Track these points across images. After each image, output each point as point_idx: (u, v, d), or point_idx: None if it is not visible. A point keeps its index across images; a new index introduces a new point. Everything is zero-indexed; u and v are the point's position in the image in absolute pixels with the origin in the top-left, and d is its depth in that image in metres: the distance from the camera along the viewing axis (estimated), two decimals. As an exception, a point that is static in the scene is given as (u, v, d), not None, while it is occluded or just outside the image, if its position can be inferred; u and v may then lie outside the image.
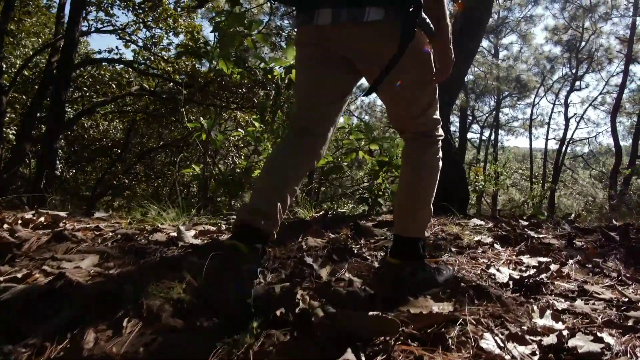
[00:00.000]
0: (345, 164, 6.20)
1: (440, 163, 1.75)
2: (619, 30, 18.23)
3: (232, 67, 5.70)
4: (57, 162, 15.19)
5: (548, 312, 1.43)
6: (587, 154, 21.90)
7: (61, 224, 2.25)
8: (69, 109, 15.03)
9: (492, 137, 21.90)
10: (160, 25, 14.52)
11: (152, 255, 1.86)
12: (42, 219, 2.32)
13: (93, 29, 14.30)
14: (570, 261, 2.06)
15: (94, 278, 1.59)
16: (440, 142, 1.75)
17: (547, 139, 21.04)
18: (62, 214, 2.34)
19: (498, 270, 1.90)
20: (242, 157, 12.20)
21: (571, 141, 20.56)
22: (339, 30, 1.53)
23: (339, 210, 4.38)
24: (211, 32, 6.46)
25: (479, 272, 1.92)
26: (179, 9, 14.19)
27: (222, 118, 15.07)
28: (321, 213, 3.44)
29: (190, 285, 1.45)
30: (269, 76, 5.14)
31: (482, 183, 9.43)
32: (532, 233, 2.82)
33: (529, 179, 21.51)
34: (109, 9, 14.27)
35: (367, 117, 22.20)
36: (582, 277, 1.94)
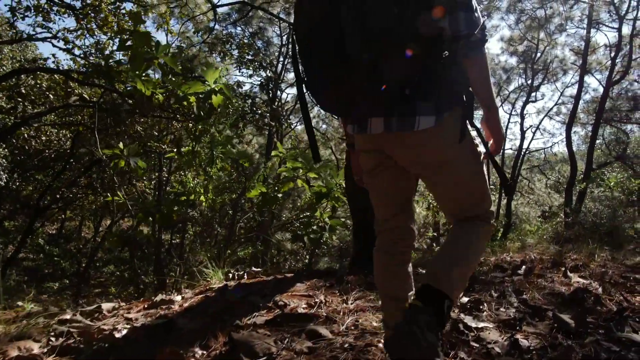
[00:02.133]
0: (281, 195, 5.59)
1: (485, 245, 1.77)
2: (574, 42, 18.17)
3: (150, 87, 5.00)
4: (2, 172, 14.14)
5: None
6: (543, 163, 21.90)
7: None
8: (11, 119, 13.98)
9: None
10: (105, 30, 13.53)
11: None
12: None
13: (25, 36, 13.17)
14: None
15: None
16: (492, 229, 1.75)
17: (504, 149, 20.88)
18: None
19: None
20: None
21: (527, 151, 20.49)
22: (392, 137, 1.57)
23: (257, 268, 3.75)
24: (116, 50, 5.77)
25: None
26: (122, 14, 13.25)
27: (174, 128, 14.26)
28: (223, 285, 2.81)
29: None
30: (185, 103, 4.48)
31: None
32: (469, 321, 2.27)
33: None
34: (47, 14, 13.23)
35: (324, 127, 21.63)
36: None
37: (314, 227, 5.49)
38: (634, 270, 4.80)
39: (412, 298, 1.66)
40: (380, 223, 1.85)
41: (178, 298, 2.54)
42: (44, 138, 16.63)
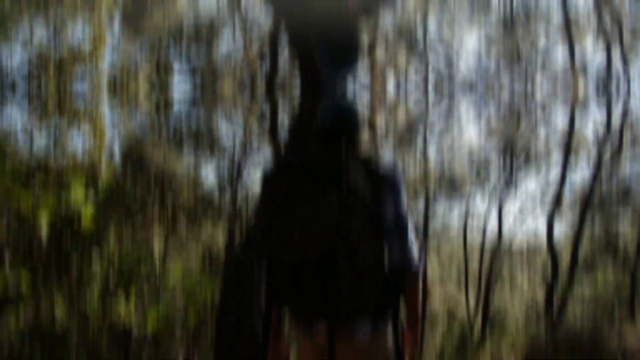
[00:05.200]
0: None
1: None
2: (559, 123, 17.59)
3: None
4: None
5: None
6: (525, 253, 20.93)
7: None
8: None
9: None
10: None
11: None
12: None
13: None
14: None
15: None
16: None
17: (483, 240, 19.83)
18: None
19: None
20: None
21: (508, 243, 19.48)
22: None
23: None
24: None
25: None
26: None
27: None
28: None
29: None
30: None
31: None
32: None
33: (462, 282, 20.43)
34: None
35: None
36: None
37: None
38: None
39: None
40: None
41: None
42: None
